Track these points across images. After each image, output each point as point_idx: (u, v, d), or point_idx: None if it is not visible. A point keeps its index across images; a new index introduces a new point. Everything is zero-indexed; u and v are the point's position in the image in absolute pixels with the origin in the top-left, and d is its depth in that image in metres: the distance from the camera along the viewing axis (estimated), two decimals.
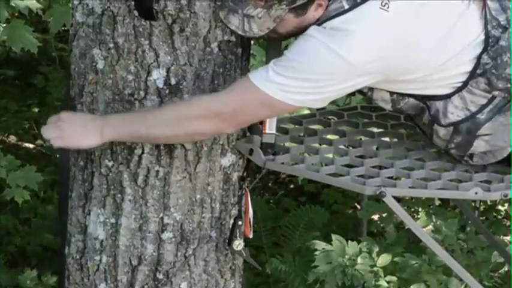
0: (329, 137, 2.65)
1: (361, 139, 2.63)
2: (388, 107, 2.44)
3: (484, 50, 2.29)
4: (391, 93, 2.39)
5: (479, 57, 2.29)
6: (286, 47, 3.64)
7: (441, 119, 2.37)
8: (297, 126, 2.71)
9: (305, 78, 2.20)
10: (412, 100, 2.39)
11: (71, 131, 2.28)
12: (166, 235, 2.41)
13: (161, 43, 2.30)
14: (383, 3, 2.20)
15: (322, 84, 2.21)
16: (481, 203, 4.74)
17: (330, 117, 2.75)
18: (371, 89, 2.37)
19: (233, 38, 2.36)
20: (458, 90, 2.33)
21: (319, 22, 2.23)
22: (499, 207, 5.02)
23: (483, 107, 2.34)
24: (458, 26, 2.29)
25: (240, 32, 2.26)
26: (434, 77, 2.31)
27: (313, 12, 2.25)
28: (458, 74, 2.31)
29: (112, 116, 2.32)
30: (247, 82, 2.23)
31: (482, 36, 2.30)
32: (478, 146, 2.39)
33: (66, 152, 2.44)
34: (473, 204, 4.57)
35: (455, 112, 2.35)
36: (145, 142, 2.34)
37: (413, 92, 2.36)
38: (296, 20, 2.25)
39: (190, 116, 2.25)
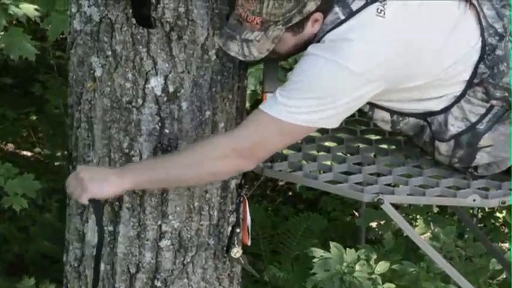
0: (327, 144, 2.65)
1: (359, 146, 2.63)
2: (387, 127, 2.43)
3: (481, 58, 2.29)
4: (392, 113, 2.38)
5: (476, 66, 2.29)
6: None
7: (442, 133, 2.36)
8: None
9: (312, 96, 2.18)
10: (412, 120, 2.38)
11: (91, 182, 2.22)
12: (164, 243, 2.41)
13: (159, 51, 2.31)
14: (379, 10, 2.19)
15: (330, 99, 2.18)
16: (479, 210, 4.74)
17: None
18: (372, 108, 2.36)
19: None
20: (457, 100, 2.32)
21: (318, 38, 2.22)
22: (497, 214, 5.02)
23: (482, 116, 2.33)
24: (456, 31, 2.28)
25: (240, 57, 2.25)
26: (435, 83, 2.30)
27: (311, 28, 2.24)
28: (456, 82, 2.30)
29: (131, 164, 2.32)
30: (259, 113, 2.21)
31: (479, 44, 2.30)
32: (481, 158, 2.38)
33: (99, 210, 2.34)
34: (471, 211, 4.57)
35: (455, 124, 2.34)
36: (166, 187, 2.34)
37: (414, 106, 2.35)
38: (294, 38, 2.24)
39: (210, 156, 2.21)
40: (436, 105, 2.34)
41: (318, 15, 2.22)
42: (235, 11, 2.23)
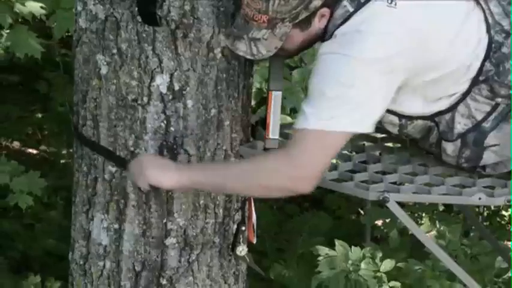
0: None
1: (364, 144, 2.63)
2: (394, 130, 2.41)
3: (487, 56, 2.29)
4: (400, 117, 2.37)
5: (482, 63, 2.29)
6: None
7: (449, 132, 2.35)
8: None
9: (334, 96, 2.13)
10: (420, 122, 2.37)
11: (152, 169, 2.24)
12: (169, 241, 2.41)
13: (164, 49, 2.31)
14: (389, 1, 2.16)
15: (352, 94, 2.13)
16: (485, 209, 4.74)
17: None
18: None
19: None
20: (463, 98, 2.32)
21: (330, 33, 2.21)
22: (503, 212, 5.01)
23: (488, 114, 2.33)
24: (466, 26, 2.27)
25: (249, 57, 2.25)
26: (449, 78, 2.28)
27: (318, 24, 2.22)
28: (466, 79, 2.30)
29: (187, 165, 2.33)
30: (297, 133, 2.17)
31: (486, 41, 2.29)
32: (488, 158, 2.38)
33: (160, 196, 2.38)
34: (477, 209, 4.57)
35: (461, 121, 2.34)
36: (217, 192, 2.36)
37: (426, 109, 2.34)
38: (302, 33, 2.24)
39: (266, 177, 2.18)
40: (445, 104, 2.33)
41: (325, 10, 2.21)
42: (241, 11, 2.22)
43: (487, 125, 2.34)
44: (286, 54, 2.35)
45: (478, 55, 2.28)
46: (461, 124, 2.34)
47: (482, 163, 2.39)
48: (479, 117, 2.33)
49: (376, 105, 2.19)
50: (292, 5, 2.17)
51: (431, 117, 2.36)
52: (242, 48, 2.24)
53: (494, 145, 2.35)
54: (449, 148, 2.38)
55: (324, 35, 2.24)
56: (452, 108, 2.33)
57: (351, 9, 2.18)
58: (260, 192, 2.29)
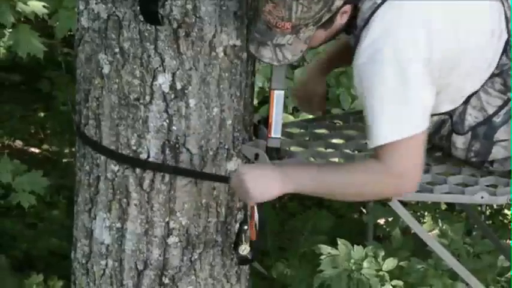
0: (334, 141, 2.64)
1: (366, 143, 2.62)
2: None
3: (504, 49, 2.30)
4: None
5: (500, 57, 2.30)
6: None
7: (460, 124, 2.37)
8: (302, 131, 2.71)
9: (396, 102, 2.15)
10: (435, 118, 2.38)
11: (255, 190, 2.23)
12: (172, 239, 2.41)
13: (167, 48, 2.31)
14: None
15: (408, 94, 2.14)
16: (488, 207, 4.73)
17: (335, 121, 2.75)
18: None
19: (238, 43, 2.36)
20: (476, 90, 2.33)
21: (360, 27, 2.20)
22: (506, 211, 5.00)
23: (499, 108, 2.34)
24: (488, 19, 2.29)
25: (275, 63, 2.24)
26: (477, 70, 2.30)
27: (340, 20, 2.23)
28: (488, 73, 2.31)
29: (292, 170, 2.27)
30: (382, 149, 2.18)
31: (506, 35, 2.30)
32: (498, 152, 2.39)
33: (261, 209, 2.38)
34: (479, 208, 4.56)
35: (473, 113, 2.35)
36: (323, 196, 2.36)
37: (449, 106, 2.36)
38: (325, 32, 2.24)
39: (372, 182, 2.22)
40: (457, 97, 2.35)
41: (347, 7, 2.21)
42: (263, 17, 2.19)
43: (497, 119, 2.35)
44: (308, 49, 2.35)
45: (498, 48, 2.29)
46: (472, 116, 2.35)
47: (490, 158, 2.40)
48: (490, 111, 2.34)
49: (428, 96, 2.20)
50: (315, 10, 2.15)
51: (448, 112, 2.37)
52: (267, 55, 2.23)
53: (504, 140, 2.36)
54: (459, 141, 2.39)
55: (349, 28, 2.25)
56: (466, 100, 2.34)
57: (379, 1, 2.18)
58: (365, 199, 2.39)
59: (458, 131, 2.38)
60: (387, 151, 2.17)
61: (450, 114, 2.38)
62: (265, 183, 2.22)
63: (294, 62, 2.41)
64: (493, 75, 2.31)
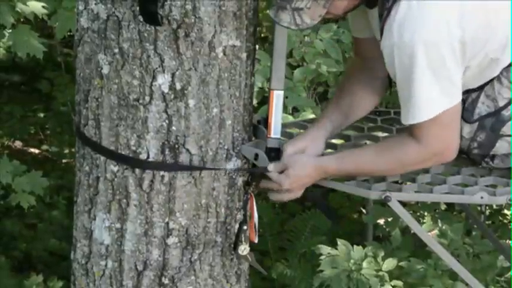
0: (334, 141, 2.65)
1: (366, 143, 2.63)
2: None
3: None
4: None
5: None
6: (290, 52, 3.64)
7: (471, 112, 2.39)
8: (301, 131, 2.71)
9: (427, 75, 2.21)
10: None
11: (302, 188, 2.42)
12: (171, 240, 2.41)
13: (166, 48, 2.31)
14: None
15: (439, 72, 2.21)
16: (487, 207, 4.73)
17: None
18: None
19: (238, 43, 2.36)
20: (492, 78, 2.36)
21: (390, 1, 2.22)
22: (505, 211, 5.01)
23: (509, 102, 2.35)
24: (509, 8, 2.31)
25: (293, 27, 2.25)
26: (500, 56, 2.33)
27: None
28: (508, 59, 2.34)
29: (330, 161, 2.40)
30: (418, 128, 2.27)
31: None
32: (501, 147, 2.39)
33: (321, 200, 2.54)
34: (479, 208, 4.56)
35: (485, 102, 2.37)
36: (362, 176, 2.44)
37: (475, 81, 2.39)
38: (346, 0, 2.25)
39: (411, 162, 2.34)
40: (477, 82, 2.38)
41: None
42: None
43: (506, 113, 2.36)
44: (332, 18, 2.37)
45: None
46: (484, 105, 2.37)
47: (493, 152, 2.40)
48: (501, 103, 2.35)
49: (458, 72, 2.26)
50: None
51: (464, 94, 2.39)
52: (286, 19, 2.23)
53: (510, 135, 2.36)
54: (466, 130, 2.40)
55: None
56: (482, 87, 2.37)
57: None
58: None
59: (466, 119, 2.39)
60: (424, 129, 2.26)
61: (463, 98, 2.38)
62: (309, 180, 2.40)
63: (311, 28, 2.42)
64: (509, 65, 2.33)
